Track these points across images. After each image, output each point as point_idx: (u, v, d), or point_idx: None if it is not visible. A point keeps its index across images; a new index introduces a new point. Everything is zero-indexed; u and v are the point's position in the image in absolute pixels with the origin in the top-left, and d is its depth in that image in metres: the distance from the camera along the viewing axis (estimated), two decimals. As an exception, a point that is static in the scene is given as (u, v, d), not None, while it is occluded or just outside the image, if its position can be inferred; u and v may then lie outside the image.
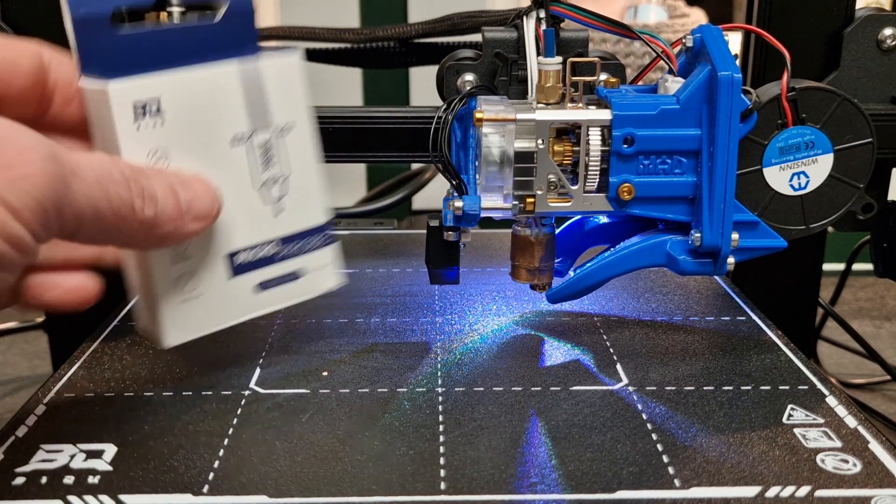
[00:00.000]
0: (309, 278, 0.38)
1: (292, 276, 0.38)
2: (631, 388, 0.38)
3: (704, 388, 0.38)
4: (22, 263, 0.28)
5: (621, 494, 0.30)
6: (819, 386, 0.38)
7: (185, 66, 0.34)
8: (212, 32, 0.35)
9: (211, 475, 0.31)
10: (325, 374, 0.39)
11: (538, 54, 0.40)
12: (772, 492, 0.30)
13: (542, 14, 0.40)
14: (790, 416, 0.35)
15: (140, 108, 0.33)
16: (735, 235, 0.39)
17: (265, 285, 0.37)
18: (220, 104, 0.35)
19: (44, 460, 0.32)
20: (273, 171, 0.36)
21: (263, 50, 0.37)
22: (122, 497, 0.30)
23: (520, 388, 0.38)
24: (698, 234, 0.39)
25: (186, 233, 0.33)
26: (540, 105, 0.39)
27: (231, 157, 0.35)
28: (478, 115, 0.37)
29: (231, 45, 0.35)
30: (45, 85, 0.33)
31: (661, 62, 0.41)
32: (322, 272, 0.39)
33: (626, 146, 0.38)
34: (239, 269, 0.36)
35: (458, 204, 0.38)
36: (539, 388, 0.38)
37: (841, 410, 0.36)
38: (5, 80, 0.32)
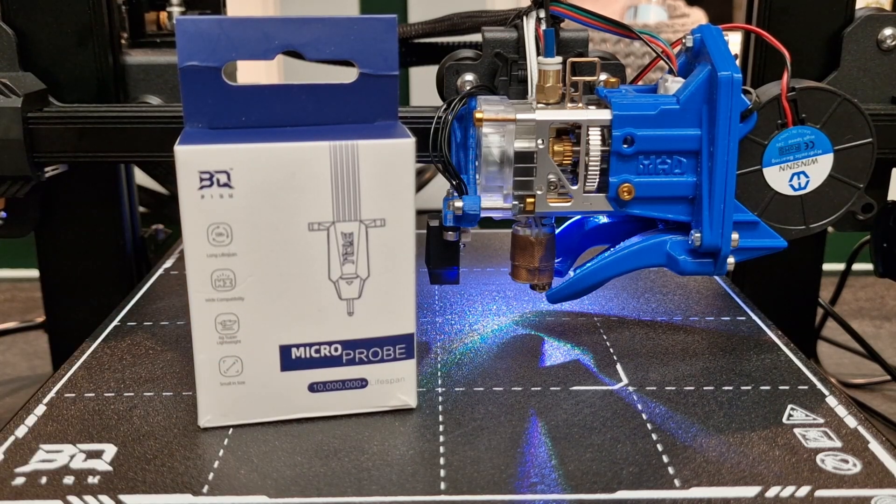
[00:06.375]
0: (377, 390, 0.35)
1: (357, 384, 0.34)
2: (631, 388, 0.38)
3: (704, 388, 0.38)
4: None
5: (621, 494, 0.30)
6: (819, 386, 0.38)
7: (280, 135, 0.31)
8: (343, 94, 0.32)
9: (211, 475, 0.31)
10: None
11: (538, 54, 0.40)
12: (772, 492, 0.30)
13: (542, 14, 0.40)
14: (790, 416, 0.35)
15: (206, 178, 0.30)
16: (735, 235, 0.39)
17: (322, 387, 0.34)
18: (301, 184, 0.31)
19: (44, 460, 0.32)
20: (355, 266, 0.32)
21: (398, 124, 0.32)
22: (122, 497, 0.30)
23: (520, 388, 0.38)
24: (698, 234, 0.39)
25: None
26: (540, 105, 0.39)
27: (306, 241, 0.32)
28: (478, 115, 0.37)
29: (361, 111, 0.32)
30: None
31: (661, 62, 0.41)
32: (393, 387, 0.35)
33: (626, 146, 0.38)
34: (293, 364, 0.33)
35: (458, 204, 0.38)
36: (539, 388, 0.38)
37: (841, 410, 0.36)
38: None
